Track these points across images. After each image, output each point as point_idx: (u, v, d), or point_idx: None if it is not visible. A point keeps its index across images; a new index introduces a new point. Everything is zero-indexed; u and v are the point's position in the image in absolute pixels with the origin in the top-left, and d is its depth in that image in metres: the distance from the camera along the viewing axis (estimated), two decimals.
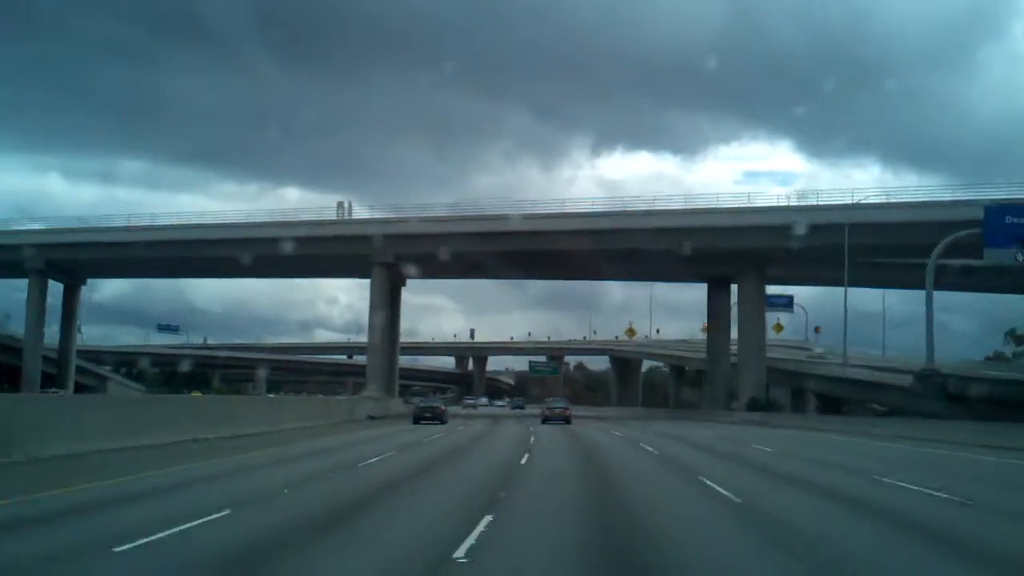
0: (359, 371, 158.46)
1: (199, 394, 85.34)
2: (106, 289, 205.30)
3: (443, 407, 51.36)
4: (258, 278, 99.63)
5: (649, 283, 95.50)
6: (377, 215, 67.94)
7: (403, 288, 77.67)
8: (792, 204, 58.29)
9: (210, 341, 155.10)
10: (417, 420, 47.36)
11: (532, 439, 32.66)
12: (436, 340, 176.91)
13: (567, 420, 49.19)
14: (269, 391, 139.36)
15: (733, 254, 59.88)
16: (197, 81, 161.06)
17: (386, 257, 66.04)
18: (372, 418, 53.55)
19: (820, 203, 57.09)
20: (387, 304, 68.08)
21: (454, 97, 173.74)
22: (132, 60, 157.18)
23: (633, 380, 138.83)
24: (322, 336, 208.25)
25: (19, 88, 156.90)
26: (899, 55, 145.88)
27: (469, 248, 63.11)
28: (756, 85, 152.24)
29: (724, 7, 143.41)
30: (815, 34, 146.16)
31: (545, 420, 50.02)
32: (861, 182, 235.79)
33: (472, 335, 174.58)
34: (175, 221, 71.17)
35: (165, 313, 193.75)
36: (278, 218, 68.27)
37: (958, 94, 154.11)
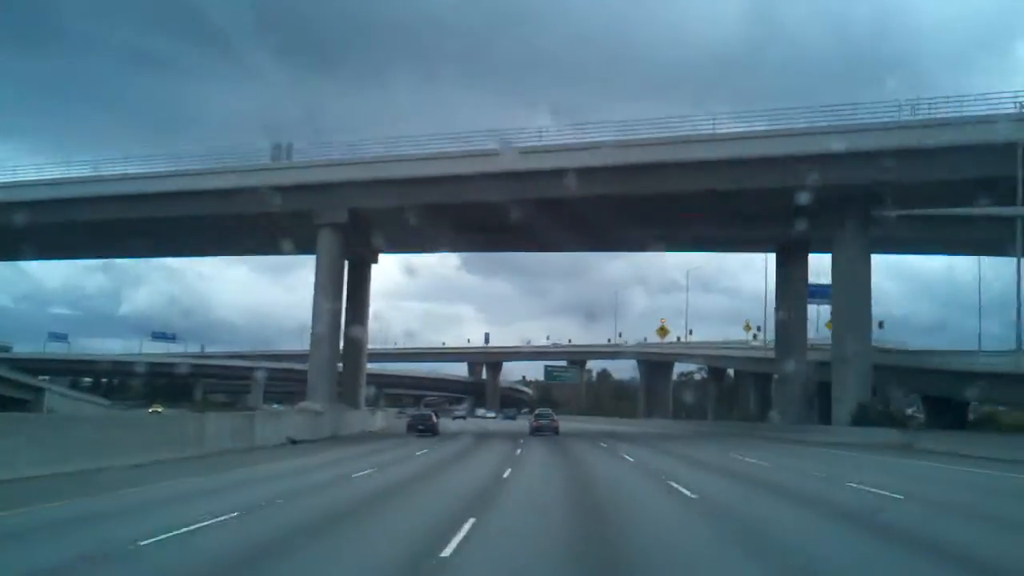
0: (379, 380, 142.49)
1: (160, 409, 77.57)
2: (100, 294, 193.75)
3: (435, 419, 51.32)
4: (159, 256, 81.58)
5: (692, 265, 76.65)
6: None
7: (374, 265, 59.99)
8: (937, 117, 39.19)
9: (207, 350, 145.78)
10: (410, 430, 48.17)
11: (508, 473, 20.81)
12: (447, 346, 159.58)
13: (555, 431, 48.77)
14: (267, 402, 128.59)
15: (828, 200, 41.54)
16: (218, 89, 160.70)
17: (337, 215, 48.27)
18: (294, 442, 35.93)
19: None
20: (339, 282, 50.25)
21: (475, 102, 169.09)
22: (155, 69, 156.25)
23: (663, 388, 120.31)
24: None
25: (48, 101, 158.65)
26: None
27: (444, 199, 45.59)
28: (782, 89, 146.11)
29: (746, 9, 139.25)
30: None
31: (534, 431, 48.61)
32: None
33: (487, 339, 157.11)
34: None
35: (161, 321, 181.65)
36: (186, 167, 50.35)
37: None
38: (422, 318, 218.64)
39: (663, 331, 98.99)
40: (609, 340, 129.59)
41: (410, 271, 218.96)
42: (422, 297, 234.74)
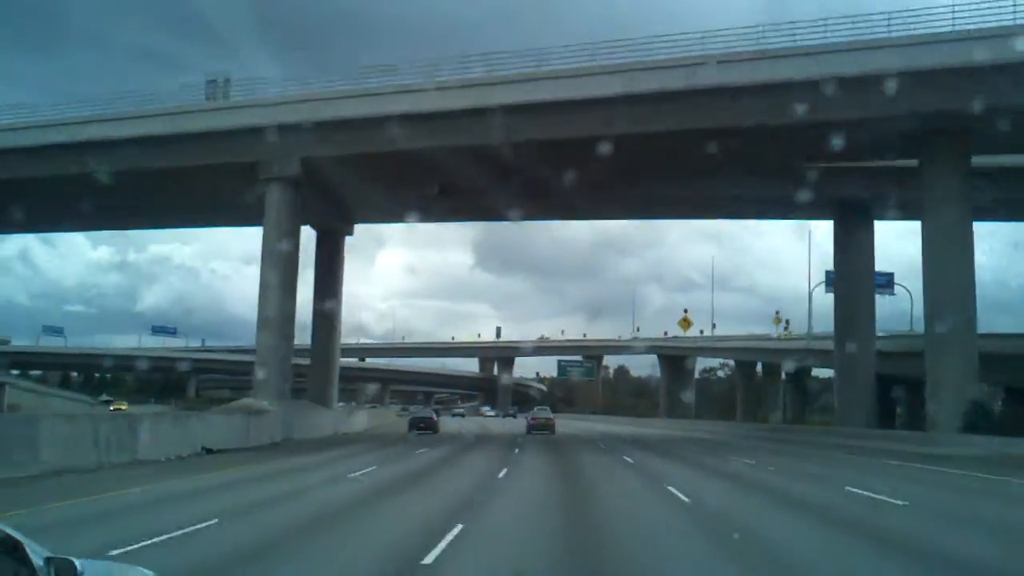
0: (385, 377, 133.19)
1: (124, 406, 72.02)
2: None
3: (435, 417, 53.06)
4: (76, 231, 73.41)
5: (725, 231, 66.58)
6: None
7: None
8: None
9: (210, 344, 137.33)
10: (411, 429, 48.14)
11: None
12: (456, 340, 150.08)
13: (551, 430, 48.53)
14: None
15: (914, 139, 31.47)
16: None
17: (287, 166, 38.56)
18: (209, 452, 26.55)
19: None
20: (293, 251, 40.47)
21: None
22: (164, 68, 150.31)
23: (686, 385, 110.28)
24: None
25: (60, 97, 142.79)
26: None
27: (419, 143, 35.79)
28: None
29: None
30: None
31: (530, 430, 48.43)
32: None
33: (498, 334, 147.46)
34: None
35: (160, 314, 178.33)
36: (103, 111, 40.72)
37: None
38: (436, 316, 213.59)
39: (686, 323, 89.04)
40: (620, 337, 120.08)
41: (422, 268, 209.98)
42: (435, 295, 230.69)
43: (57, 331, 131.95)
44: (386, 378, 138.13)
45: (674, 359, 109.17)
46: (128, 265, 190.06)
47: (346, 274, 50.00)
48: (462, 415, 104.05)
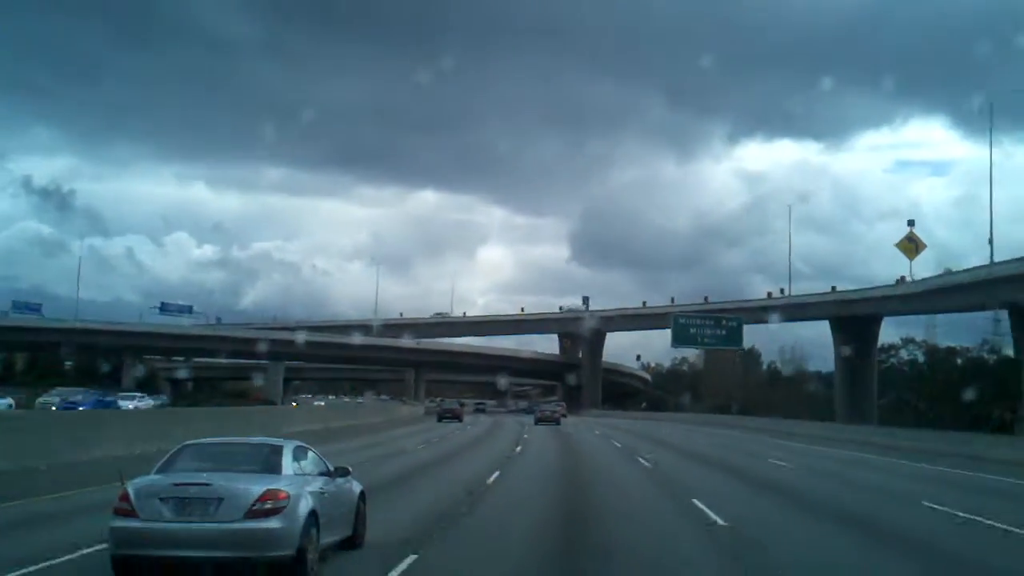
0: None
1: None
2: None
3: (459, 408, 66.43)
4: None
5: None
6: None
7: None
8: None
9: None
10: (440, 418, 59.52)
11: None
12: (528, 312, 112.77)
13: (557, 421, 52.03)
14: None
15: None
16: (330, 82, 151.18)
17: None
18: None
19: None
20: None
21: (584, 84, 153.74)
22: (265, 60, 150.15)
23: (867, 370, 70.17)
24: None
25: (162, 97, 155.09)
26: None
27: None
28: (911, 58, 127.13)
29: None
30: None
31: (538, 422, 52.58)
32: None
33: (586, 304, 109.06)
34: None
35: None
36: None
37: None
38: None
39: (911, 246, 49.02)
40: (770, 294, 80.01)
41: (515, 265, 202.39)
42: (529, 291, 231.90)
43: (34, 308, 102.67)
44: (418, 362, 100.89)
45: (859, 323, 69.06)
46: None
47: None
48: (483, 411, 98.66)
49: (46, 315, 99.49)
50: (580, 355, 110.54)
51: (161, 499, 8.36)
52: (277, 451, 9.49)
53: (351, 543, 10.30)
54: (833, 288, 75.42)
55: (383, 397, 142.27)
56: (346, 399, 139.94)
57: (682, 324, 67.76)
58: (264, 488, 8.46)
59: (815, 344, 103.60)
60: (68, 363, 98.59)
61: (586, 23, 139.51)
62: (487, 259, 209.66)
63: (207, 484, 8.47)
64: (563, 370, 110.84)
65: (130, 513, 8.30)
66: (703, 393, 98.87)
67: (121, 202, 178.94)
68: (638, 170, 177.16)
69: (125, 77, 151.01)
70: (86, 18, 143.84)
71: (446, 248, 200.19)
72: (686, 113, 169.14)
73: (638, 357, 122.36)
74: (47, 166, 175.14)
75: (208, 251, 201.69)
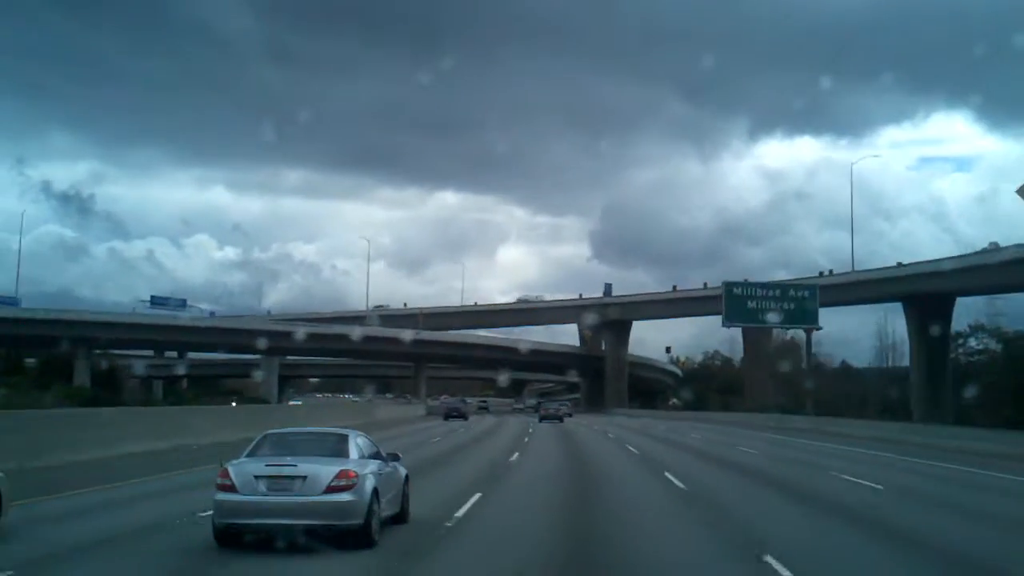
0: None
1: None
2: None
3: (464, 406, 66.79)
4: None
5: None
6: None
7: None
8: None
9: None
10: (447, 417, 58.57)
11: None
12: (545, 299, 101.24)
13: (560, 419, 51.95)
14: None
15: None
16: (347, 83, 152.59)
17: None
18: None
19: None
20: None
21: (602, 82, 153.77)
22: (283, 63, 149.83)
23: (942, 360, 57.93)
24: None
25: (180, 100, 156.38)
26: None
27: None
28: (934, 51, 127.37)
29: None
30: None
31: (542, 419, 52.76)
32: None
33: (608, 291, 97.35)
34: None
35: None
36: None
37: None
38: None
39: None
40: (822, 273, 67.65)
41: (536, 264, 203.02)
42: (550, 290, 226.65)
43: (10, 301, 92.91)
44: (418, 354, 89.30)
45: (933, 306, 56.86)
46: None
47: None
48: (486, 409, 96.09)
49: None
50: (603, 347, 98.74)
51: (256, 477, 10.20)
52: (344, 439, 11.45)
53: (399, 519, 11.90)
54: (899, 265, 63.31)
55: (388, 395, 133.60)
56: (353, 398, 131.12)
57: (737, 297, 54.41)
58: (339, 469, 10.30)
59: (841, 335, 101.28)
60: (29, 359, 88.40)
61: (603, 21, 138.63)
62: (508, 258, 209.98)
63: (294, 466, 10.32)
64: (584, 364, 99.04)
65: (231, 488, 10.13)
66: (742, 389, 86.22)
67: (142, 205, 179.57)
68: (657, 168, 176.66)
69: (143, 82, 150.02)
70: (104, 23, 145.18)
71: (467, 248, 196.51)
72: (706, 110, 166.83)
73: (668, 350, 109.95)
74: (68, 171, 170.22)
75: (229, 253, 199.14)
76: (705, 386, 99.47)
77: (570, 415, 64.83)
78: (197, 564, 9.76)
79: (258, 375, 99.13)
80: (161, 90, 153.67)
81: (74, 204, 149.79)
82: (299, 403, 75.17)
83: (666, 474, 19.92)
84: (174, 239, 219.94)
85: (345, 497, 10.08)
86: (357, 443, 11.34)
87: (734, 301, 54.16)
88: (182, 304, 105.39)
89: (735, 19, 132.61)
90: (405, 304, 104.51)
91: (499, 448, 29.68)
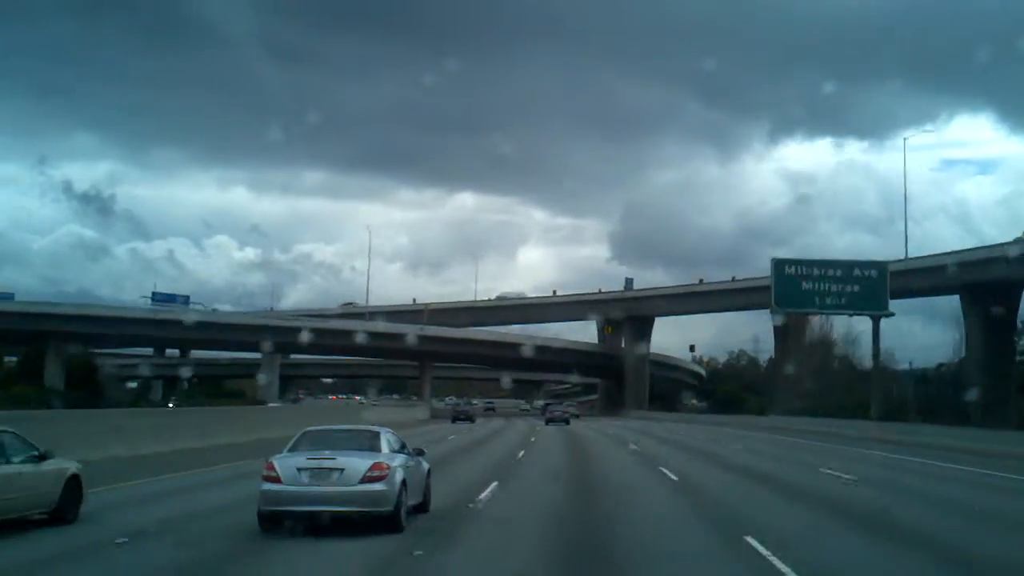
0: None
1: None
2: None
3: (471, 408, 69.60)
4: None
5: None
6: None
7: None
8: None
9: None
10: (455, 420, 57.97)
11: None
12: (560, 294, 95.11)
13: (566, 421, 51.71)
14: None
15: None
16: (367, 84, 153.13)
17: None
18: None
19: None
20: None
21: (622, 83, 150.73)
22: (304, 63, 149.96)
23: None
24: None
25: (202, 101, 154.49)
26: None
27: None
28: (956, 51, 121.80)
29: None
30: None
31: (548, 422, 52.11)
32: None
33: (629, 285, 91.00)
34: None
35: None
36: None
37: None
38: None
39: None
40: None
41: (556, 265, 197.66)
42: (569, 291, 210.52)
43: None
44: (420, 352, 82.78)
45: (997, 298, 50.28)
46: None
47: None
48: (492, 410, 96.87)
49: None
50: (623, 344, 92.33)
51: (299, 469, 11.32)
52: (376, 435, 12.55)
53: (422, 508, 12.93)
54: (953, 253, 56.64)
55: (395, 396, 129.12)
56: (362, 400, 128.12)
57: (790, 278, 46.57)
58: (372, 462, 11.46)
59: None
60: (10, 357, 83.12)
61: (623, 22, 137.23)
62: (527, 260, 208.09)
63: (333, 459, 11.48)
64: (602, 363, 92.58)
65: (276, 479, 11.26)
66: (771, 390, 79.29)
67: (164, 206, 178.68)
68: (678, 170, 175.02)
69: (163, 83, 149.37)
70: (124, 24, 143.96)
71: (486, 250, 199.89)
72: (726, 112, 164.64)
73: (692, 348, 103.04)
74: (89, 171, 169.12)
75: (249, 253, 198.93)
76: (731, 387, 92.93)
77: (577, 416, 65.24)
78: (247, 546, 10.68)
79: (262, 378, 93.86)
80: (181, 90, 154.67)
81: (95, 204, 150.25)
82: (278, 405, 69.31)
83: (751, 541, 10.87)
84: (195, 239, 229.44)
85: (378, 487, 11.19)
86: (387, 439, 12.50)
87: (785, 283, 46.68)
88: (185, 301, 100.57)
89: (756, 21, 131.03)
90: (414, 300, 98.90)
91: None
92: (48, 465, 11.89)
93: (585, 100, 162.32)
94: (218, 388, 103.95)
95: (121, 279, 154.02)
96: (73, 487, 12.16)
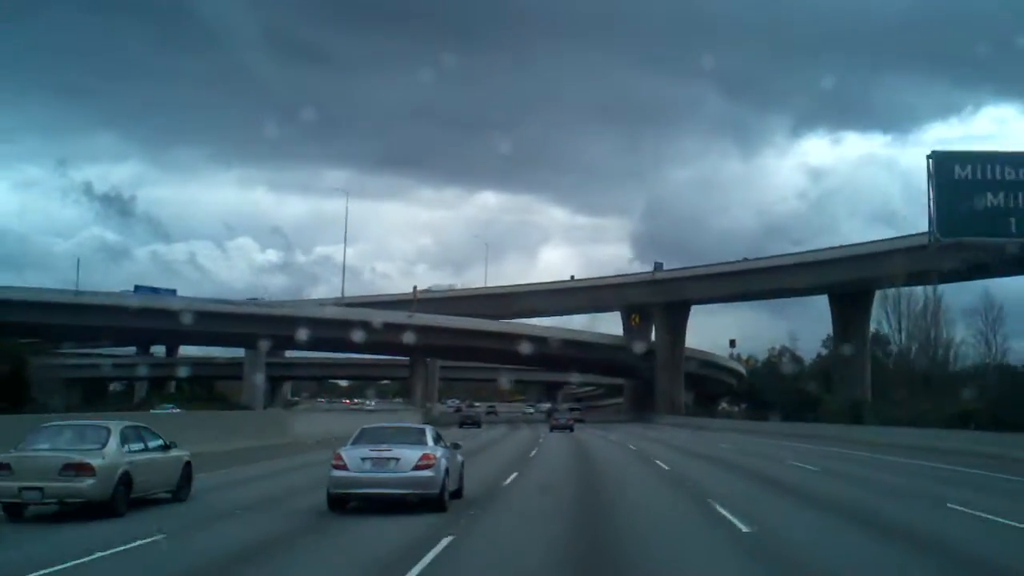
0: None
1: None
2: None
3: (476, 414, 65.33)
4: None
5: None
6: None
7: None
8: None
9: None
10: (462, 425, 55.82)
11: None
12: (579, 279, 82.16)
13: (570, 428, 50.59)
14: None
15: None
16: (385, 82, 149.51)
17: None
18: None
19: None
20: None
21: (640, 78, 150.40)
22: (324, 63, 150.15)
23: None
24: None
25: (222, 102, 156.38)
26: None
27: None
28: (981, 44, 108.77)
29: None
30: None
31: (553, 428, 50.33)
32: None
33: (659, 268, 77.76)
34: None
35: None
36: None
37: None
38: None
39: None
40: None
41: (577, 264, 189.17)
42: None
43: None
44: (414, 346, 69.36)
45: None
46: None
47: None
48: (495, 413, 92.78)
49: None
50: (653, 337, 78.96)
51: (362, 459, 13.64)
52: (422, 431, 15.08)
53: (457, 494, 15.02)
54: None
55: (398, 400, 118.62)
56: (367, 402, 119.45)
57: (959, 185, 30.60)
58: (422, 452, 13.72)
59: None
60: None
61: (642, 17, 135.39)
62: (549, 259, 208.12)
63: (390, 450, 13.76)
64: (626, 357, 78.77)
65: (343, 467, 13.56)
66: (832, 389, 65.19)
67: (185, 206, 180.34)
68: (699, 166, 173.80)
69: (185, 82, 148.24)
70: (143, 24, 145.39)
71: (507, 248, 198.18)
72: (747, 107, 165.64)
73: (732, 343, 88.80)
74: (110, 171, 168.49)
75: (271, 255, 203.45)
76: (771, 387, 79.04)
77: (582, 421, 64.23)
78: (321, 521, 12.83)
79: (259, 377, 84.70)
80: (201, 90, 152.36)
81: (116, 205, 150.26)
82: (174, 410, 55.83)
83: None
84: (217, 240, 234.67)
85: (427, 473, 13.56)
86: (431, 434, 14.78)
87: (951, 193, 30.66)
88: (171, 294, 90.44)
89: (777, 14, 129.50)
90: (415, 287, 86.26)
91: None
92: (173, 453, 14.94)
93: (605, 97, 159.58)
94: (211, 391, 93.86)
95: (139, 279, 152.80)
96: (187, 472, 15.26)
